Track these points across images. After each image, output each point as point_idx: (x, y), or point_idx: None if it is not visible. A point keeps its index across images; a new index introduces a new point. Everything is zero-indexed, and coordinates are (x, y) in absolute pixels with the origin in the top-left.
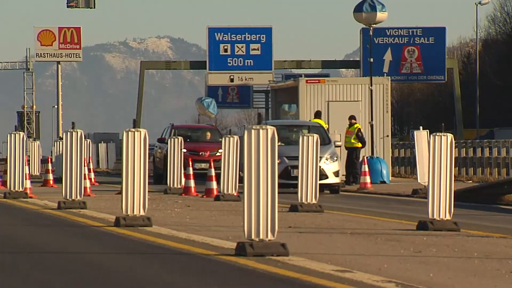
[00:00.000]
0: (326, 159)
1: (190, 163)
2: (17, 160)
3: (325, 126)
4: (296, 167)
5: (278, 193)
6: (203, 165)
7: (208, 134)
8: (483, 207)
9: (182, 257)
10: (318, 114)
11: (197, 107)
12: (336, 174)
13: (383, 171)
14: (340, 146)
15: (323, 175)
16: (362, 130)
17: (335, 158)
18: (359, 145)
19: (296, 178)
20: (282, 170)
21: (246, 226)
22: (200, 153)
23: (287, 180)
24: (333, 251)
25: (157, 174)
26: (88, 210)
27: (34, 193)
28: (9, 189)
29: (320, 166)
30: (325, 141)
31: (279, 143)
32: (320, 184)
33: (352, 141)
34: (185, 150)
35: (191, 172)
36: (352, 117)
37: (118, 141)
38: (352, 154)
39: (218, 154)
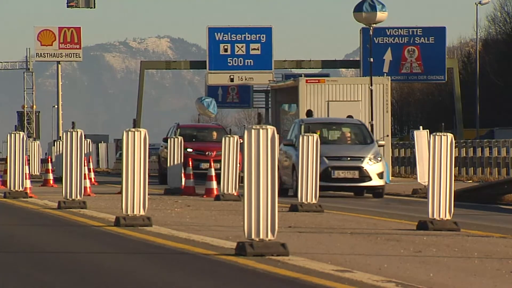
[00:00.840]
0: (370, 160)
1: (190, 163)
2: (17, 160)
3: None
4: (338, 168)
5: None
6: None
7: (214, 133)
8: (483, 207)
9: (182, 257)
10: (309, 114)
11: (197, 107)
12: (380, 175)
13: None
14: (383, 146)
15: (366, 177)
16: None
17: (379, 159)
18: None
19: (338, 180)
20: (322, 172)
21: (246, 226)
22: (207, 153)
23: (327, 182)
24: (333, 251)
25: (163, 174)
26: (88, 210)
27: (34, 193)
28: (9, 189)
29: (362, 167)
30: (367, 140)
31: None
32: (361, 186)
33: None
34: (191, 150)
35: (191, 172)
36: (350, 117)
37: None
38: None
39: None
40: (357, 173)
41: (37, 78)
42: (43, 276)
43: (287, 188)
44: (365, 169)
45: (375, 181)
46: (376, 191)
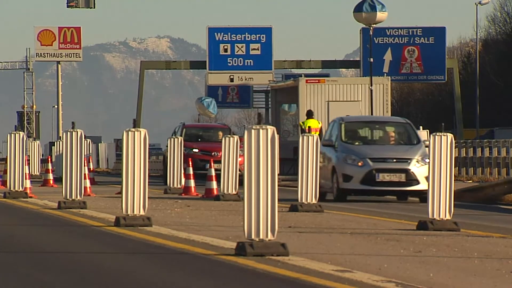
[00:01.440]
0: (417, 162)
1: (190, 163)
2: (17, 160)
3: (319, 125)
4: (383, 170)
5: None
6: (215, 166)
7: (220, 133)
8: (483, 207)
9: (182, 257)
10: (309, 114)
11: (197, 107)
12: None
13: None
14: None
15: (414, 180)
16: None
17: (427, 160)
18: None
19: (382, 183)
20: (365, 174)
21: (246, 226)
22: (213, 153)
23: (371, 186)
24: (333, 251)
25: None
26: (88, 210)
27: (34, 193)
28: (9, 189)
29: (409, 170)
30: (413, 140)
31: (357, 143)
32: (408, 191)
33: None
34: (197, 150)
35: (191, 172)
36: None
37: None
38: None
39: None
40: (403, 176)
41: (37, 78)
42: (43, 276)
43: (324, 191)
44: (412, 172)
45: (423, 185)
46: (424, 196)
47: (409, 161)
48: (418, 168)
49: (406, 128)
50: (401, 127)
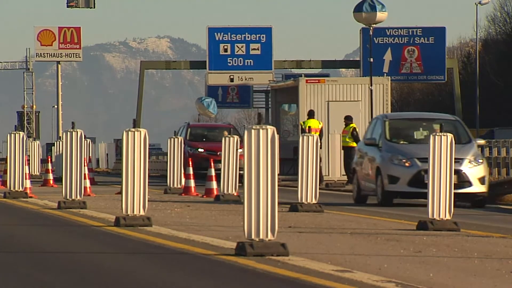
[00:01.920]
0: (469, 162)
1: (190, 163)
2: (17, 160)
3: (320, 125)
4: None
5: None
6: (220, 165)
7: (225, 133)
8: (483, 207)
9: (182, 257)
10: (311, 114)
11: (197, 107)
12: (482, 180)
13: None
14: (483, 145)
15: (466, 182)
16: (358, 129)
17: (480, 160)
18: (354, 144)
19: None
20: (413, 176)
21: (246, 226)
22: (218, 153)
23: (419, 188)
24: (333, 251)
25: None
26: (88, 210)
27: (34, 193)
28: (9, 189)
29: (461, 171)
30: (464, 139)
31: (403, 142)
32: (460, 193)
33: (347, 140)
34: (202, 150)
35: (191, 172)
36: (347, 118)
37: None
38: (347, 153)
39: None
40: (455, 177)
41: (37, 78)
42: (43, 276)
43: (366, 195)
44: (464, 173)
45: (476, 187)
46: (477, 199)
47: (461, 161)
48: (470, 169)
49: (455, 126)
50: (450, 124)
